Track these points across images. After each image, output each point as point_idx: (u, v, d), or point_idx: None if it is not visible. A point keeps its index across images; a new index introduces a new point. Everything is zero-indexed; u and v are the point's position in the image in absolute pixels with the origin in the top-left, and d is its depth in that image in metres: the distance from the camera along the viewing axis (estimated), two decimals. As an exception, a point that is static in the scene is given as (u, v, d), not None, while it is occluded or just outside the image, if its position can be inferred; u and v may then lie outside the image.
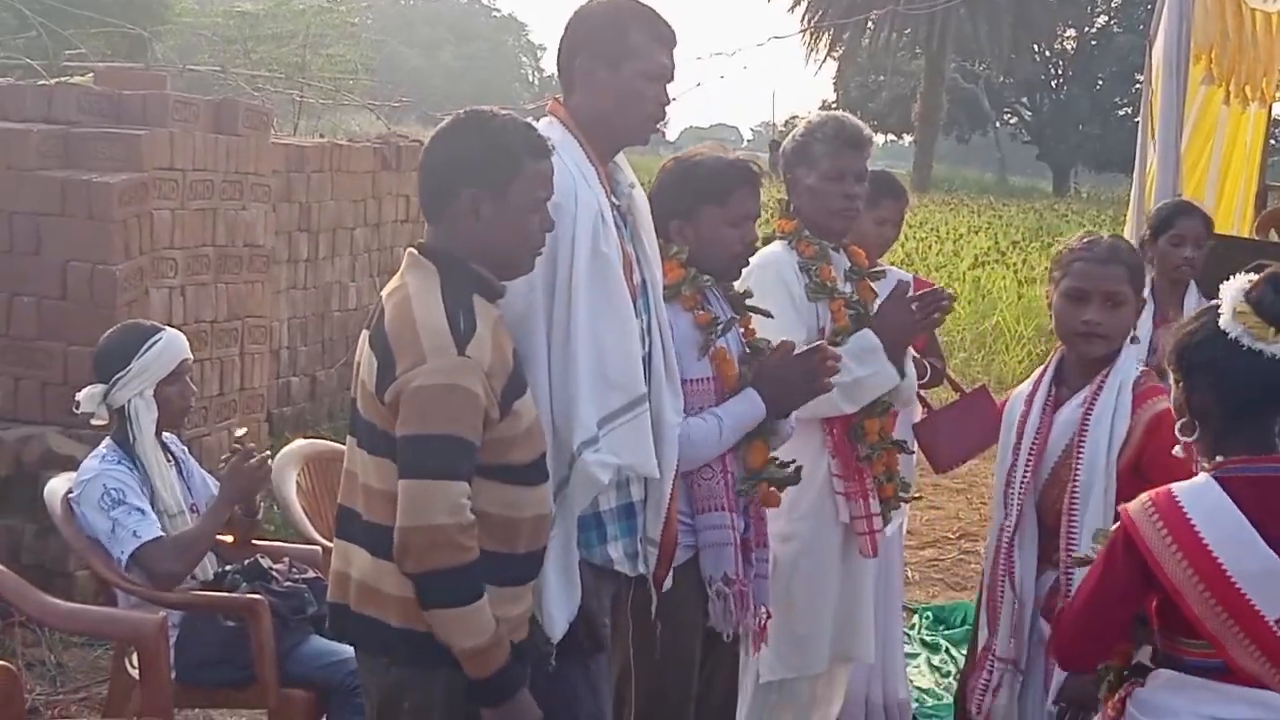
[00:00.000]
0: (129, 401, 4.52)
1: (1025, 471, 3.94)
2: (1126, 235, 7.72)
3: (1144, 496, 2.98)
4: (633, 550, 3.58)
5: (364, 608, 3.17)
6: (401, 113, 14.95)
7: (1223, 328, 2.96)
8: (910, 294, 4.34)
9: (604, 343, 3.40)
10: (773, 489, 3.96)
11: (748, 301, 4.04)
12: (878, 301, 4.45)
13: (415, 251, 3.22)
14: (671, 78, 3.58)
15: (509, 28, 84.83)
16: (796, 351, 3.90)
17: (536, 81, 75.54)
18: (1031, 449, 3.95)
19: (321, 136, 11.24)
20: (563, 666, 3.37)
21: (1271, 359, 2.92)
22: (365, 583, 3.16)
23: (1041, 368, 4.15)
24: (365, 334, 3.21)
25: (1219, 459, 2.97)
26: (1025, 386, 4.13)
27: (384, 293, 3.21)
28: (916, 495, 5.01)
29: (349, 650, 4.40)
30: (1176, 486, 2.95)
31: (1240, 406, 2.95)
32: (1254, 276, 2.98)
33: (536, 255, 3.27)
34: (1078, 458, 3.82)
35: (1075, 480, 3.81)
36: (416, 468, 3.01)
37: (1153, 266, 5.59)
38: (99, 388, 4.54)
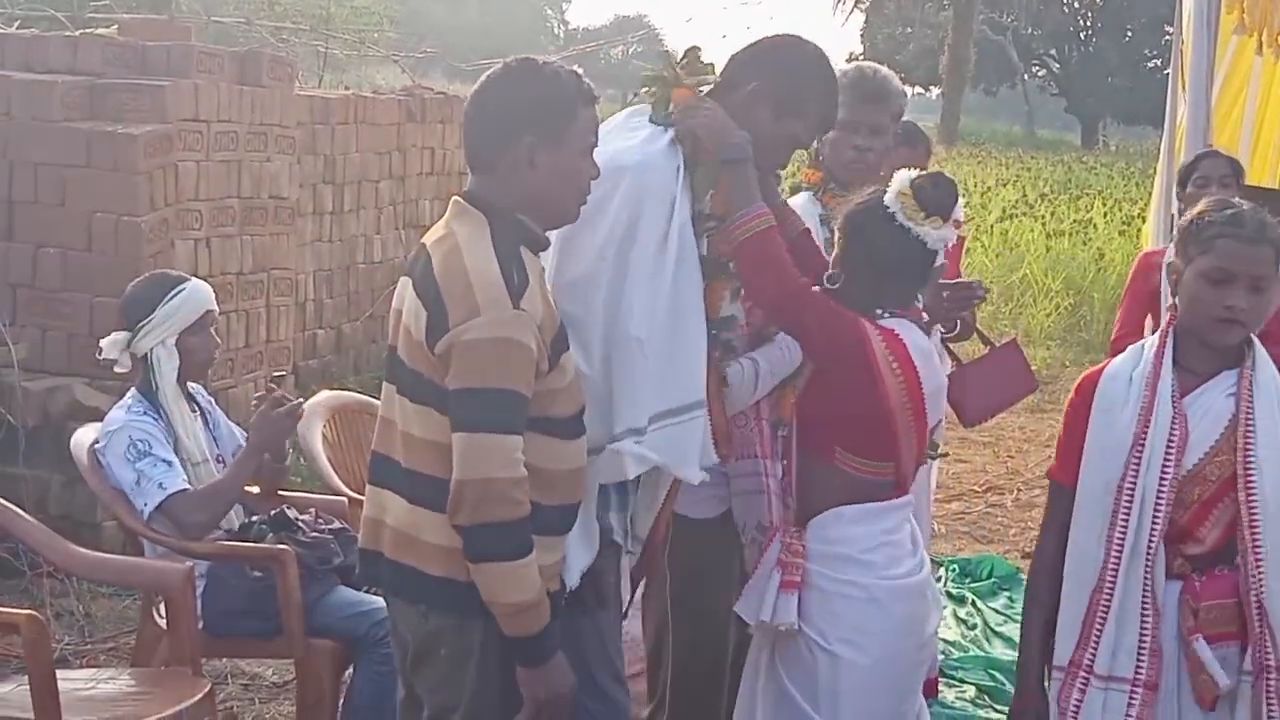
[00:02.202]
0: (151, 350, 4.52)
1: (1165, 467, 3.41)
2: (1156, 189, 7.67)
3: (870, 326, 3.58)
4: (624, 528, 3.57)
5: (401, 556, 3.17)
6: (425, 66, 14.89)
7: (885, 203, 3.60)
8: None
9: (682, 340, 3.41)
10: None
11: None
12: None
13: (462, 200, 3.21)
14: None
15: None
16: None
17: (562, 34, 75.17)
18: (1170, 443, 3.43)
19: (347, 89, 11.20)
20: (573, 617, 3.36)
21: (915, 237, 3.57)
22: (402, 530, 3.16)
23: (1140, 346, 3.61)
24: (407, 281, 3.19)
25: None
26: (1120, 366, 3.57)
27: (428, 241, 3.20)
28: (944, 451, 4.98)
29: (375, 601, 4.44)
30: (896, 323, 3.63)
31: (884, 269, 3.62)
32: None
33: (583, 205, 3.26)
34: (1247, 451, 3.39)
35: (1249, 476, 3.37)
36: (473, 421, 3.01)
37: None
38: (122, 335, 4.54)
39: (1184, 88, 7.50)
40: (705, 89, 3.64)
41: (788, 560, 3.62)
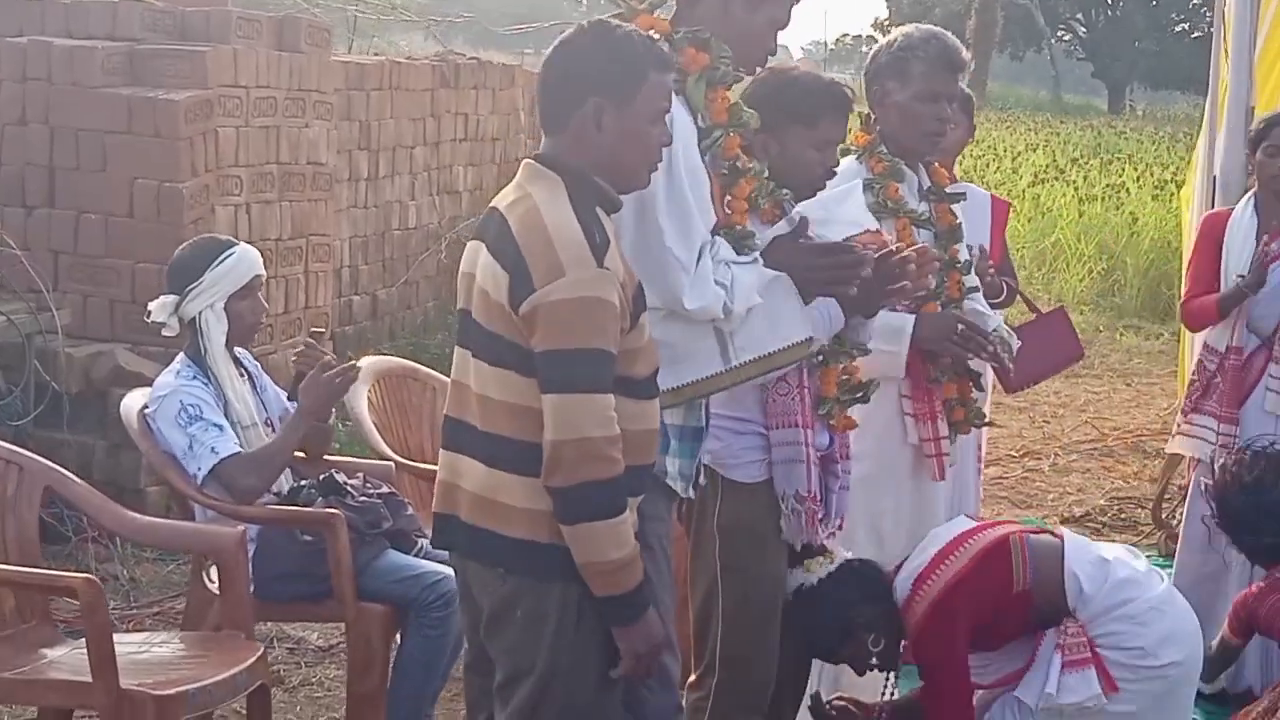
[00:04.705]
0: (200, 313, 4.52)
1: None
2: (1199, 152, 7.61)
3: None
4: (689, 473, 3.56)
5: (478, 519, 3.16)
6: (452, 32, 14.83)
7: None
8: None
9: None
10: (848, 415, 3.93)
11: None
12: (963, 225, 4.42)
13: (534, 162, 3.19)
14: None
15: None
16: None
17: (585, 1, 74.94)
18: None
19: (377, 54, 11.18)
20: None
21: None
22: (480, 494, 3.15)
23: None
24: (479, 245, 3.18)
25: None
26: None
27: (500, 204, 3.18)
28: (990, 420, 4.96)
29: (425, 565, 4.45)
30: None
31: None
32: None
33: (652, 170, 3.25)
34: None
35: None
36: (564, 382, 3.01)
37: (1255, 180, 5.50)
38: (171, 298, 4.55)
39: (1226, 50, 7.43)
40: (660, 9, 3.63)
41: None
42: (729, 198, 3.59)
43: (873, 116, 4.35)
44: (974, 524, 4.12)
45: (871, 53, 4.48)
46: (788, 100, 3.84)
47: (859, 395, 3.94)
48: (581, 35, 3.20)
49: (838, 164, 3.97)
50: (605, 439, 3.01)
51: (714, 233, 3.50)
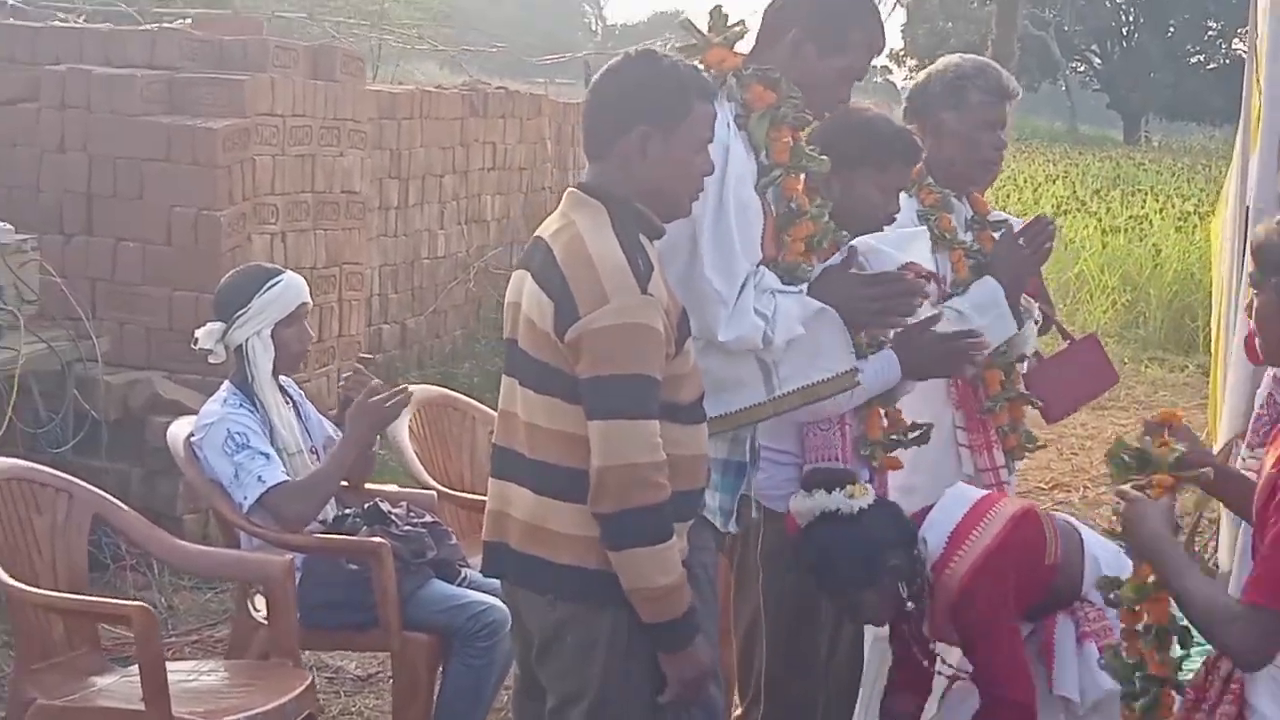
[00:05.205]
0: (246, 341, 4.54)
1: None
2: (1229, 184, 7.61)
3: None
4: (729, 508, 3.56)
5: (528, 546, 3.18)
6: (467, 61, 14.92)
7: None
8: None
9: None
10: (892, 455, 3.92)
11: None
12: None
13: (578, 191, 3.22)
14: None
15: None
16: (941, 327, 3.86)
17: (599, 31, 75.14)
18: None
19: (400, 84, 11.24)
20: None
21: None
22: (530, 522, 3.16)
23: None
24: (524, 274, 3.19)
25: None
26: None
27: (544, 233, 3.20)
28: (1041, 445, 4.94)
29: (471, 594, 4.46)
30: None
31: None
32: None
33: (694, 199, 3.27)
34: None
35: None
36: (610, 408, 3.02)
37: None
38: (218, 325, 4.57)
39: (1258, 80, 7.43)
40: (736, 44, 3.64)
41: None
42: (786, 237, 3.60)
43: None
44: (984, 491, 3.97)
45: (917, 84, 4.47)
46: (860, 142, 3.85)
47: (915, 437, 3.93)
48: (629, 63, 3.23)
49: (899, 210, 3.97)
50: (651, 464, 3.03)
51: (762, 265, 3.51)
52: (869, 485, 3.76)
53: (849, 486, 3.65)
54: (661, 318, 3.08)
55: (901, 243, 3.83)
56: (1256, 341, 3.20)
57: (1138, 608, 3.24)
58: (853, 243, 3.80)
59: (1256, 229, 3.26)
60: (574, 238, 3.12)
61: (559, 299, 3.08)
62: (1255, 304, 3.13)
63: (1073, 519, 4.13)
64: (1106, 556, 3.77)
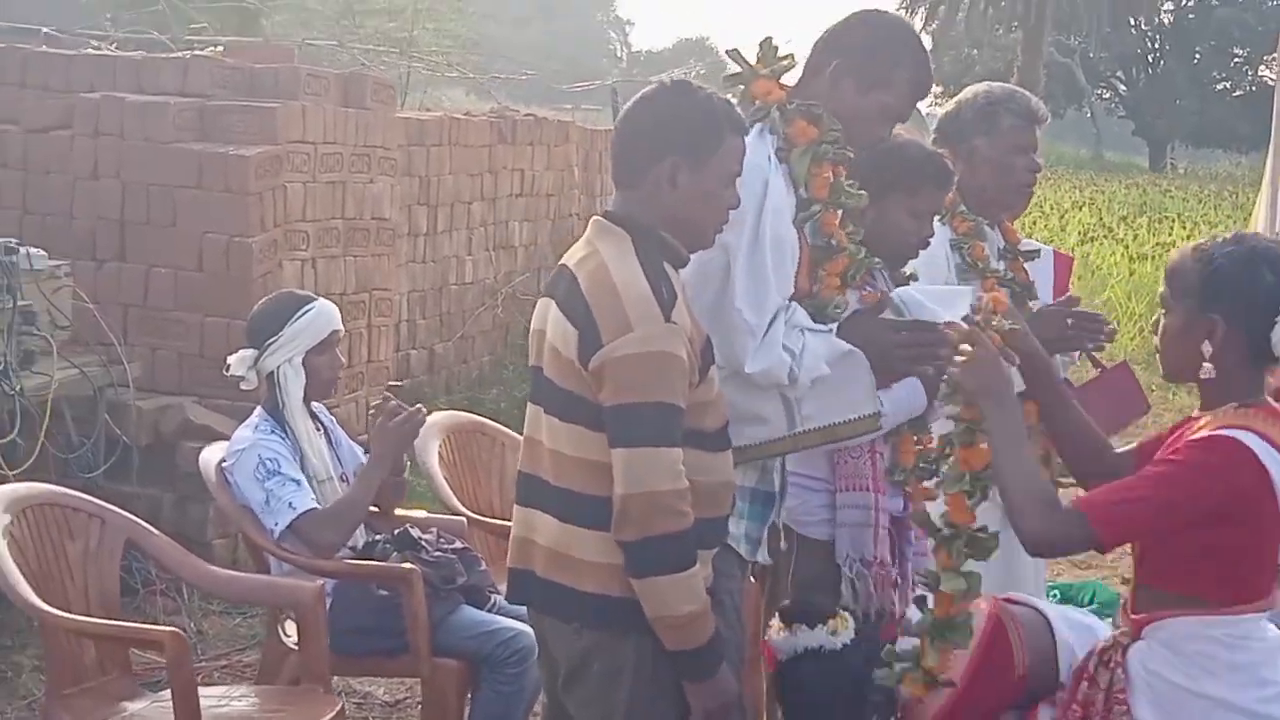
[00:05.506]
0: (278, 368, 4.56)
1: None
2: (1259, 210, 7.62)
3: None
4: (757, 536, 3.56)
5: (553, 574, 3.17)
6: (495, 88, 14.98)
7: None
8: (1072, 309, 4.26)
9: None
10: (925, 484, 3.89)
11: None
12: (1038, 285, 4.40)
13: (603, 219, 3.22)
14: None
15: (597, 3, 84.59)
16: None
17: (624, 58, 75.32)
18: None
19: (428, 110, 11.30)
20: None
21: None
22: (554, 549, 3.16)
23: None
24: (549, 302, 3.21)
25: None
26: None
27: (569, 261, 3.21)
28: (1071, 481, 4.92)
29: (500, 621, 4.46)
30: None
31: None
32: None
33: (719, 231, 3.27)
34: None
35: None
36: (633, 436, 3.02)
37: None
38: (250, 352, 4.59)
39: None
40: (783, 76, 3.64)
41: None
42: (821, 272, 3.60)
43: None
44: None
45: (948, 113, 4.47)
46: (890, 167, 3.85)
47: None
48: (664, 93, 3.23)
49: (932, 234, 3.97)
50: (674, 492, 3.02)
51: (794, 300, 3.51)
52: (849, 616, 3.67)
53: (830, 621, 3.59)
54: (685, 346, 3.08)
55: (945, 299, 3.75)
56: (1159, 358, 3.29)
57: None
58: (895, 291, 3.80)
59: (1172, 253, 3.33)
60: (598, 266, 3.12)
61: (583, 327, 3.08)
62: (1162, 324, 3.23)
63: (1040, 605, 3.73)
64: (1078, 637, 3.55)
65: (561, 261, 3.26)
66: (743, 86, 3.55)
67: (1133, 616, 3.27)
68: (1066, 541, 3.13)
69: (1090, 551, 3.41)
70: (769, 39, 3.66)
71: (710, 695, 3.13)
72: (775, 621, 3.69)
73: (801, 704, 3.59)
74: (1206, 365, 3.13)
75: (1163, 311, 3.22)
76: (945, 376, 3.46)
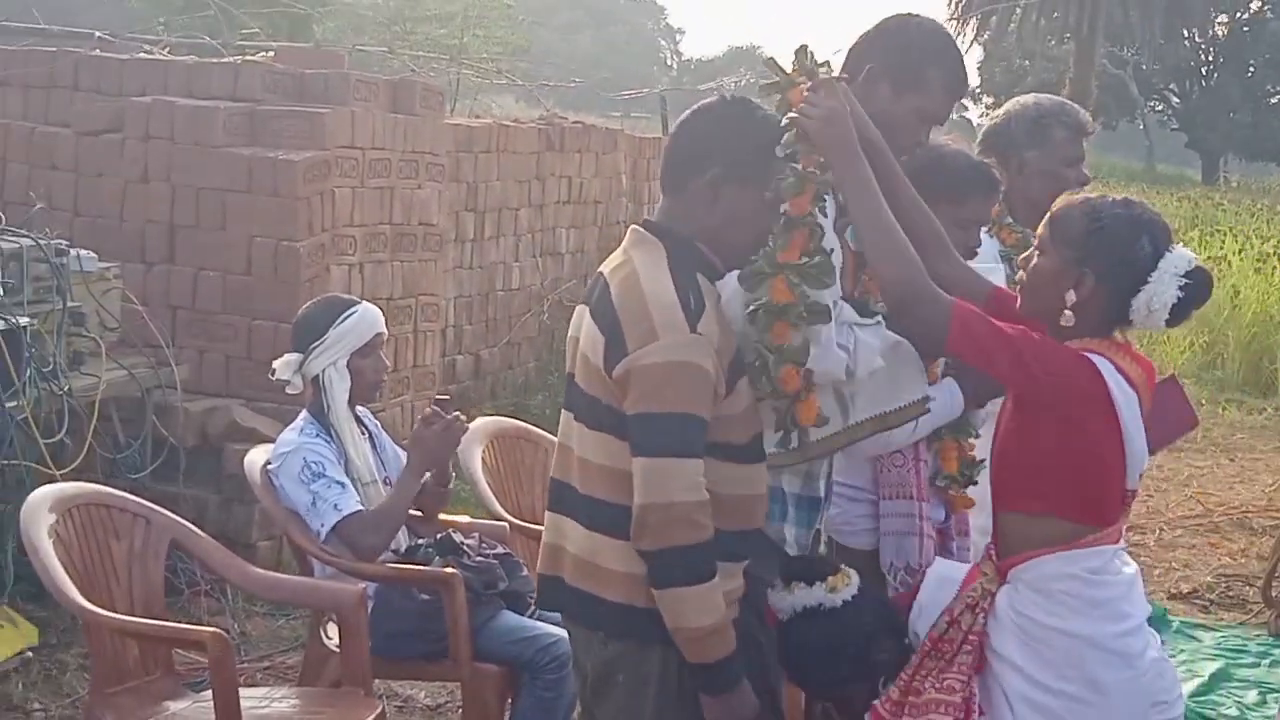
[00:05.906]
0: (323, 371, 4.59)
1: None
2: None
3: None
4: (804, 542, 3.55)
5: (580, 582, 3.17)
6: (544, 95, 15.03)
7: None
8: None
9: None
10: (966, 494, 3.89)
11: None
12: None
13: (641, 229, 3.23)
14: None
15: (648, 11, 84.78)
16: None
17: (675, 66, 75.38)
18: None
19: (478, 117, 11.33)
20: (751, 632, 3.31)
21: None
22: (581, 557, 3.16)
23: None
24: (584, 309, 3.22)
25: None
26: None
27: (605, 269, 3.22)
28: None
29: (541, 626, 4.46)
30: None
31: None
32: None
33: (754, 251, 3.26)
34: None
35: None
36: (653, 446, 3.01)
37: None
38: (295, 356, 4.62)
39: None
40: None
41: None
42: (864, 275, 3.59)
43: (1003, 186, 4.33)
44: (965, 567, 3.67)
45: (995, 125, 4.44)
46: (937, 177, 3.82)
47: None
48: (722, 106, 3.24)
49: (979, 244, 3.95)
50: (692, 504, 3.00)
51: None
52: (851, 573, 3.52)
53: (830, 578, 3.47)
54: (711, 358, 3.06)
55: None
56: (1020, 292, 3.33)
57: None
58: None
59: (1060, 199, 3.36)
60: (630, 274, 3.13)
61: (610, 334, 3.08)
62: (1034, 263, 3.26)
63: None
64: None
65: (599, 269, 3.26)
66: (779, 95, 3.54)
67: (998, 563, 3.30)
68: (919, 304, 3.19)
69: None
70: (804, 47, 3.64)
71: (724, 711, 3.11)
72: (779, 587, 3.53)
73: (804, 664, 3.47)
74: (1067, 313, 3.19)
75: (1037, 251, 3.26)
76: (787, 121, 3.35)
